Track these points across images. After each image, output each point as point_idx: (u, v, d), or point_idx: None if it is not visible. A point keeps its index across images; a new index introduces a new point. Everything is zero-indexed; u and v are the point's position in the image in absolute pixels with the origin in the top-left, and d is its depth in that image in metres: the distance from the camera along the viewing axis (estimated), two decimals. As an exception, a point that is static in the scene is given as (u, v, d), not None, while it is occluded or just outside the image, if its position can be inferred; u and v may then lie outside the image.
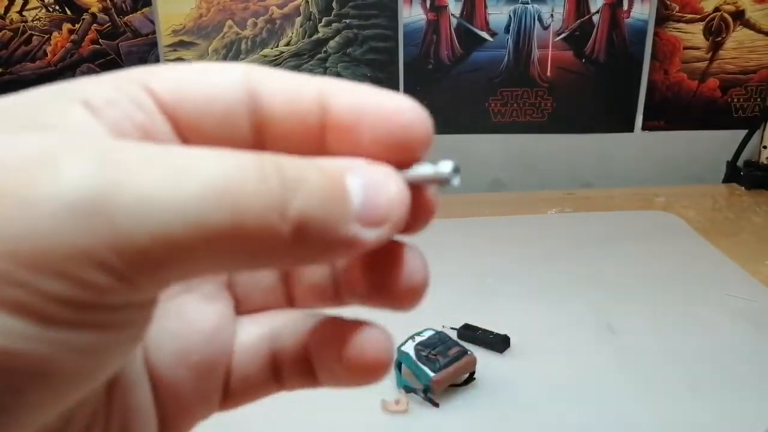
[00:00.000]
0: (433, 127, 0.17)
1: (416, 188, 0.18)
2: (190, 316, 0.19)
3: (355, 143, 0.17)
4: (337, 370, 0.19)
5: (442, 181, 0.18)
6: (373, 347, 0.18)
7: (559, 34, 1.25)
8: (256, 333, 0.20)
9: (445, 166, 0.18)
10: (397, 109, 0.17)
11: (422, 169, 0.18)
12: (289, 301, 0.21)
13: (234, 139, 0.17)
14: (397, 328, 0.73)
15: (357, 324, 0.19)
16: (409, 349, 0.69)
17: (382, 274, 0.18)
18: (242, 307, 0.21)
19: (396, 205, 0.16)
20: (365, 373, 0.18)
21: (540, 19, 1.24)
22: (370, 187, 0.16)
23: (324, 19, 1.23)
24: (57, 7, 1.19)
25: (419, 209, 0.18)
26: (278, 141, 0.17)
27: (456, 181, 0.18)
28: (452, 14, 1.24)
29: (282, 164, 0.14)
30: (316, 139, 0.17)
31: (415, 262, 0.18)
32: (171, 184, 0.13)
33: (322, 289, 0.21)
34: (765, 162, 1.30)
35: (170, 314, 0.19)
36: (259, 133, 0.17)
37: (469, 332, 0.78)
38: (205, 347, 0.19)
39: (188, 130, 0.16)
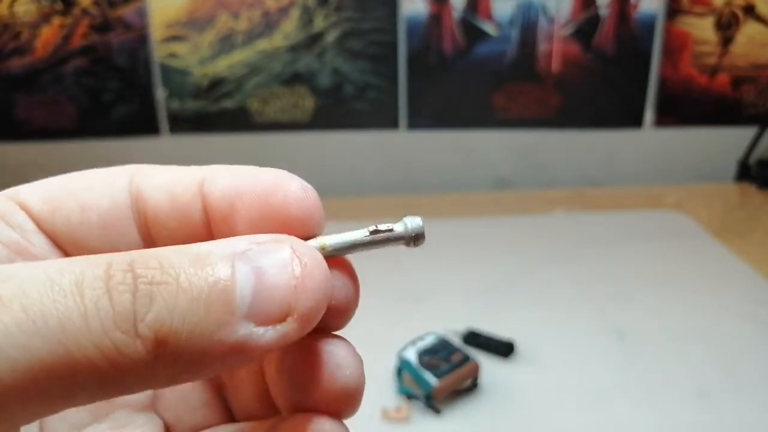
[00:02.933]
0: (318, 202, 0.15)
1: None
2: None
3: (233, 232, 0.15)
4: None
5: (403, 240, 0.15)
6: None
7: (565, 28, 1.23)
8: None
9: (412, 222, 0.15)
10: (270, 186, 0.15)
11: (356, 234, 0.15)
12: (228, 415, 0.19)
13: (120, 248, 0.15)
14: (397, 334, 0.69)
15: (295, 415, 0.16)
16: (411, 354, 0.68)
17: (302, 377, 0.16)
18: (176, 431, 0.19)
19: (302, 290, 0.13)
20: None
21: (545, 12, 1.22)
22: (264, 270, 0.13)
23: (321, 12, 1.20)
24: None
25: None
26: (167, 243, 0.15)
27: (418, 241, 0.15)
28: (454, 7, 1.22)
29: (136, 265, 0.12)
30: (205, 235, 0.16)
31: (342, 359, 0.16)
32: None
33: (263, 397, 0.18)
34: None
35: None
36: (148, 238, 0.16)
37: (474, 338, 0.77)
38: None
39: (67, 244, 0.16)
